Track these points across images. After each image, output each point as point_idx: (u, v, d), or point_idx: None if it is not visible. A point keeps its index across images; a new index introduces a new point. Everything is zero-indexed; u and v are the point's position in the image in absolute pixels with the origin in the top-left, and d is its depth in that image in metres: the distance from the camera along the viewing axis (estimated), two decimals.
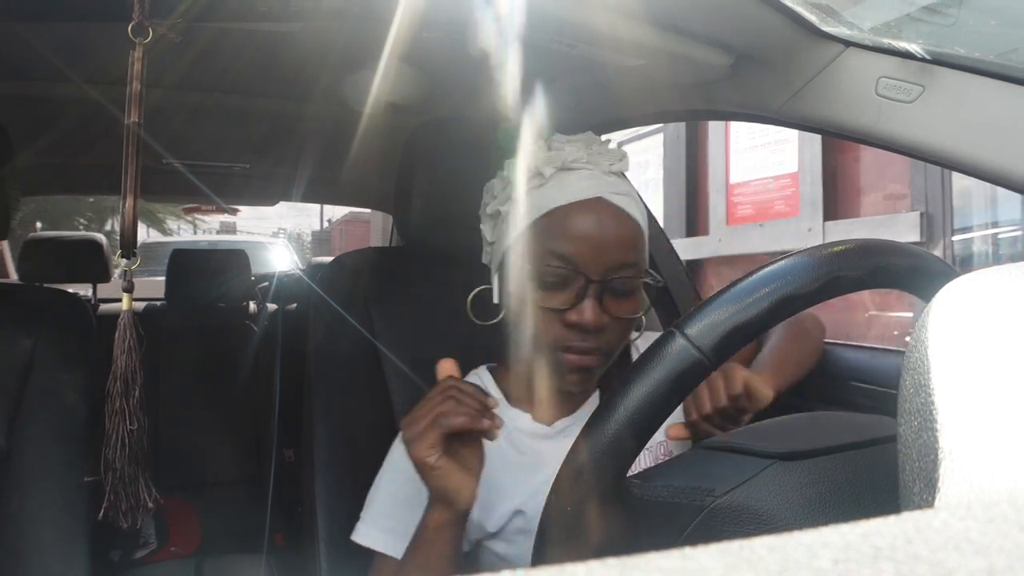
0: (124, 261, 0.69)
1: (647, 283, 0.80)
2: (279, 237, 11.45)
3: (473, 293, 0.85)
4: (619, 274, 0.76)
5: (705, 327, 0.46)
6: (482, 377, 0.89)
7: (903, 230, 3.92)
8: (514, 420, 0.84)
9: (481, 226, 0.86)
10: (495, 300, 0.83)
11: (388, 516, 0.79)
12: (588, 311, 0.74)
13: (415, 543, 0.71)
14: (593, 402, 0.87)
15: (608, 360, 0.80)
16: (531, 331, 0.78)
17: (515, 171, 0.80)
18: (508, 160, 0.83)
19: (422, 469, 0.66)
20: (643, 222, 0.80)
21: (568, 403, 0.85)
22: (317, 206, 18.12)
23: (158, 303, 2.35)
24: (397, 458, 0.81)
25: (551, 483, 0.73)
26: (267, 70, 1.26)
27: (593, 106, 1.34)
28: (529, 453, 0.82)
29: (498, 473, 0.78)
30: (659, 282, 0.80)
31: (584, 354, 0.76)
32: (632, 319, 0.78)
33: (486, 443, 0.76)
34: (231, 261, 2.33)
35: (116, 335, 0.70)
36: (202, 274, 2.27)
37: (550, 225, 0.76)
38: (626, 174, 0.82)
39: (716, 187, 5.46)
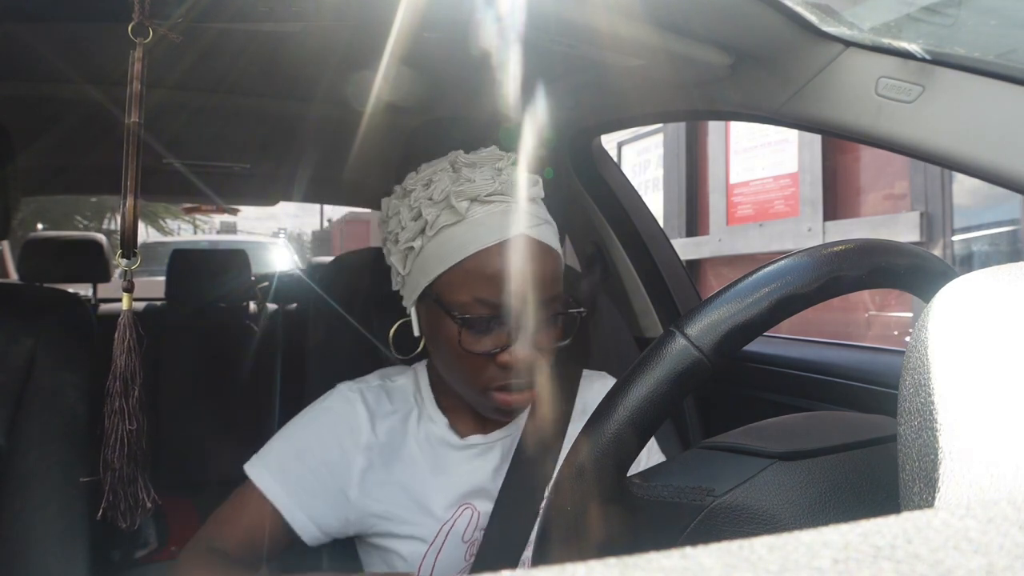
0: (124, 261, 0.69)
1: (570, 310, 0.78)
2: (279, 237, 11.46)
3: (394, 328, 0.84)
4: (546, 309, 0.75)
5: (705, 327, 0.46)
6: (418, 374, 0.88)
7: (903, 230, 3.92)
8: (430, 422, 0.83)
9: (385, 248, 0.83)
10: (416, 333, 0.81)
11: (279, 461, 0.80)
12: (521, 351, 0.73)
13: None
14: (513, 425, 0.86)
15: (535, 393, 0.79)
16: (461, 375, 0.77)
17: (422, 200, 0.76)
18: (411, 176, 0.79)
19: None
20: (559, 246, 0.78)
21: (486, 423, 0.85)
22: (317, 206, 18.14)
23: (158, 303, 2.35)
24: (312, 419, 0.83)
25: (444, 493, 0.80)
26: (268, 70, 1.26)
27: (593, 106, 1.34)
28: (432, 458, 0.82)
29: (399, 467, 0.81)
30: (581, 311, 0.79)
31: (520, 392, 0.75)
32: (552, 349, 0.78)
33: (394, 438, 0.81)
34: (231, 261, 2.33)
35: (116, 335, 0.70)
36: (202, 274, 2.27)
37: (473, 269, 0.73)
38: (540, 198, 0.79)
39: (716, 187, 5.47)
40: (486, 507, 0.81)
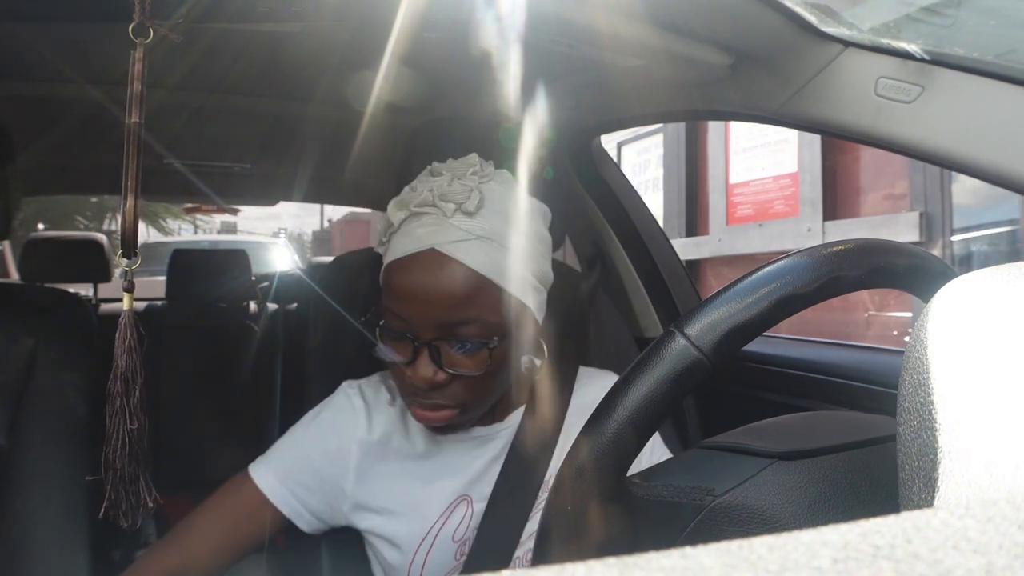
0: (125, 261, 0.69)
1: (495, 337, 0.72)
2: (279, 237, 11.45)
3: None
4: (453, 332, 0.71)
5: (705, 327, 0.47)
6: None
7: (903, 230, 3.92)
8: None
9: None
10: None
11: (277, 452, 0.83)
12: (420, 369, 0.72)
13: None
14: (514, 416, 0.86)
15: (470, 413, 0.77)
16: (394, 380, 0.79)
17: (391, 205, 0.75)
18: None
19: None
20: (489, 269, 0.70)
21: (485, 416, 0.85)
22: (317, 206, 18.16)
23: (159, 303, 2.35)
24: (312, 416, 0.85)
25: (440, 485, 0.82)
26: (268, 71, 1.26)
27: (593, 106, 1.34)
28: (432, 446, 0.84)
29: (396, 461, 0.83)
30: (490, 344, 0.72)
31: (430, 410, 0.74)
32: (482, 375, 0.73)
33: (391, 429, 0.83)
34: (232, 261, 2.33)
35: (117, 335, 0.70)
36: (203, 274, 2.27)
37: (388, 280, 0.74)
38: (481, 212, 0.71)
39: (716, 187, 5.47)
40: (480, 505, 0.82)
